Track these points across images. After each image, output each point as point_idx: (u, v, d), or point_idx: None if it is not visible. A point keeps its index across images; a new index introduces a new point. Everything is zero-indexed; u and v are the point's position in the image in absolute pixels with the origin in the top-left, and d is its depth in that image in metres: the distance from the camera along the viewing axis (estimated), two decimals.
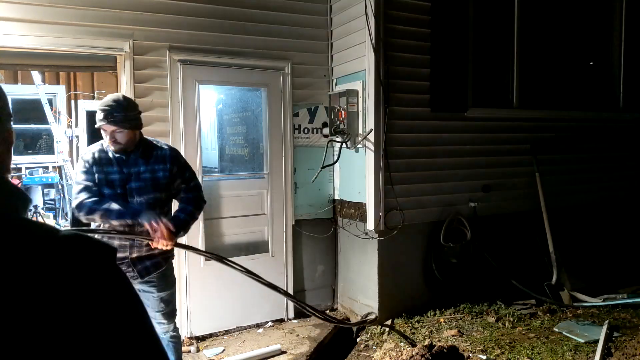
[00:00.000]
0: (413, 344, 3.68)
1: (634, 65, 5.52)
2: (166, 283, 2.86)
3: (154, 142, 2.87)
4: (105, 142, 2.72)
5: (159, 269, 2.80)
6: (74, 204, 2.68)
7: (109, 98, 2.68)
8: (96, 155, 2.72)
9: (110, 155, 2.72)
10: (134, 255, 2.71)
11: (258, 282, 3.20)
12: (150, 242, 2.64)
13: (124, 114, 2.63)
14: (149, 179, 2.73)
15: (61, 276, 0.67)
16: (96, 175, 2.69)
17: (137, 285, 2.76)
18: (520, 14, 4.81)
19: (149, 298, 2.80)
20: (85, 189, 2.67)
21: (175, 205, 2.95)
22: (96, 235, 2.66)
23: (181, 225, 2.75)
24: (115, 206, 2.60)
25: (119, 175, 2.70)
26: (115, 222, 2.62)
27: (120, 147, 2.67)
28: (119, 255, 2.67)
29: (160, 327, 2.86)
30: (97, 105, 2.73)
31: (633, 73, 5.52)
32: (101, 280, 0.71)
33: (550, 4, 5.08)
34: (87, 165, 2.71)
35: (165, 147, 2.89)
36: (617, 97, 5.54)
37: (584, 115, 5.25)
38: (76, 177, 2.74)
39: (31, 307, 0.64)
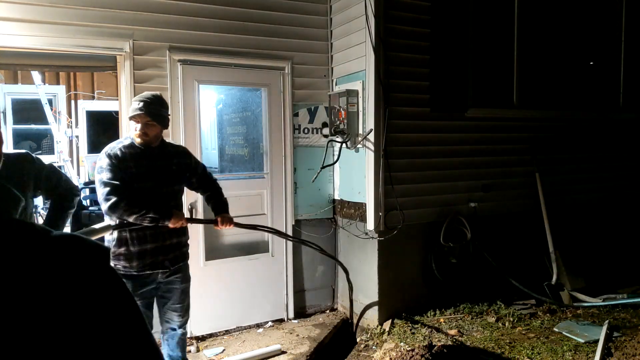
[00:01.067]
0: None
1: (635, 65, 5.52)
2: (187, 275, 3.03)
3: (171, 142, 3.12)
4: (129, 139, 2.83)
5: (184, 260, 2.99)
6: (105, 206, 2.69)
7: (148, 93, 2.84)
8: (123, 151, 2.78)
9: (138, 150, 2.80)
10: (167, 242, 2.84)
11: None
12: (214, 226, 3.07)
13: (160, 109, 2.78)
14: (174, 171, 2.90)
15: (52, 277, 0.67)
16: (126, 171, 2.74)
17: (166, 279, 2.90)
18: (520, 13, 4.80)
19: (173, 291, 2.94)
20: (116, 189, 2.68)
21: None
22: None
23: (227, 205, 3.17)
24: (149, 213, 2.69)
25: (145, 169, 2.79)
26: (146, 224, 2.73)
27: (146, 140, 2.79)
28: (153, 245, 2.80)
29: (179, 320, 2.99)
30: (133, 98, 2.86)
31: (633, 73, 5.52)
32: (93, 281, 0.71)
33: (550, 4, 5.08)
34: (114, 162, 2.73)
35: (180, 145, 3.17)
36: (618, 97, 5.54)
37: (584, 115, 5.25)
38: (101, 175, 2.72)
39: (23, 307, 0.63)
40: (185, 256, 3.02)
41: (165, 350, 3.05)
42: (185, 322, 3.05)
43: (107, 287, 0.72)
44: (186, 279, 3.02)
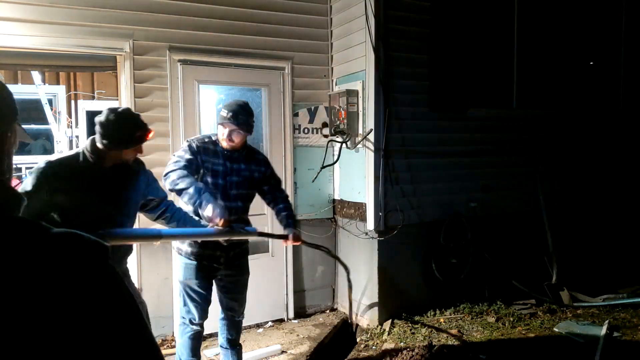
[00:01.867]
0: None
1: (635, 65, 5.52)
2: (247, 268, 3.19)
3: (254, 148, 3.24)
4: (215, 136, 2.99)
5: (244, 256, 3.14)
6: (164, 171, 2.79)
7: (236, 102, 2.95)
8: (206, 145, 2.93)
9: (219, 148, 2.96)
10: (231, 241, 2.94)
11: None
12: (283, 241, 3.09)
13: (247, 119, 2.92)
14: (247, 176, 3.03)
15: (51, 274, 0.67)
16: (200, 162, 2.87)
17: (227, 271, 3.03)
18: (520, 13, 4.81)
19: (235, 282, 3.10)
20: (178, 162, 2.78)
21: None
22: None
23: (297, 221, 3.29)
24: (190, 189, 2.64)
25: (222, 167, 2.94)
26: (185, 201, 2.70)
27: (232, 145, 2.94)
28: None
29: (240, 309, 3.18)
30: (223, 105, 2.95)
31: (634, 73, 5.52)
32: (91, 278, 0.71)
33: (550, 4, 5.08)
34: (193, 149, 2.88)
35: (261, 153, 3.27)
36: (618, 97, 5.53)
37: (584, 115, 5.25)
38: (177, 153, 2.89)
39: (21, 304, 0.64)
40: (245, 253, 3.15)
41: (224, 335, 3.21)
42: (244, 310, 3.22)
43: (105, 285, 0.72)
44: (247, 272, 3.17)
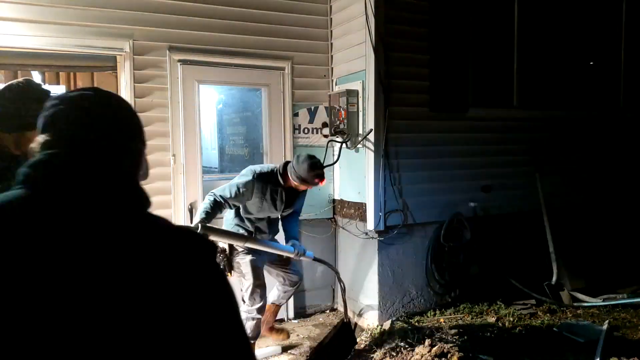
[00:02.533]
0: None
1: (635, 65, 5.52)
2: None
3: None
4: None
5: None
6: None
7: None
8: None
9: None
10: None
11: None
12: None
13: None
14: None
15: (179, 263, 0.79)
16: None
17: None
18: (520, 13, 4.80)
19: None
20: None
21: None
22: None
23: None
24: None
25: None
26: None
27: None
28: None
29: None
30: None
31: (634, 73, 5.52)
32: (207, 272, 0.83)
33: (551, 4, 5.08)
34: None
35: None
36: (618, 97, 5.53)
37: (584, 115, 5.25)
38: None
39: (154, 282, 0.75)
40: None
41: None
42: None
43: (218, 277, 0.85)
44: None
